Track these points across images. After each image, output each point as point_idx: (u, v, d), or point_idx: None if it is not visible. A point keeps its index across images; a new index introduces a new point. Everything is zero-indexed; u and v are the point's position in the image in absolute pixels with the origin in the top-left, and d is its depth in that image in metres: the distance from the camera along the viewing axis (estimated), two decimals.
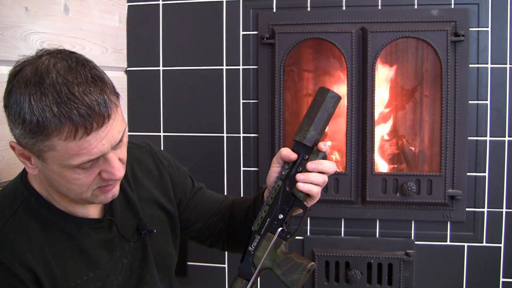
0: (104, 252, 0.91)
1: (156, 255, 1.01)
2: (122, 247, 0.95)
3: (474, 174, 1.65)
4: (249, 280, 0.90)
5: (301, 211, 0.91)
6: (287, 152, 0.90)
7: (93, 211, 0.92)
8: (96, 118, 0.74)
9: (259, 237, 0.91)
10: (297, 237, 1.70)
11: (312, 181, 0.88)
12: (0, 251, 0.78)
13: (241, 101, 1.75)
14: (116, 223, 0.94)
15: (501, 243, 1.65)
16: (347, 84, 1.65)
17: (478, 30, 1.61)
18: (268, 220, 0.91)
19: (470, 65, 1.61)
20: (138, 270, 0.97)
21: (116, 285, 0.92)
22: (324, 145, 0.88)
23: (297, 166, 0.90)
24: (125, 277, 0.94)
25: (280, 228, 0.90)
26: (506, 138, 1.63)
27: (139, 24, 1.80)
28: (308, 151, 0.89)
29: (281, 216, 0.90)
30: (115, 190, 0.86)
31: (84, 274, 0.87)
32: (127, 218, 0.97)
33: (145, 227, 0.98)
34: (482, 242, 1.66)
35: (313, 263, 0.87)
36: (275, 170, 0.93)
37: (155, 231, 1.00)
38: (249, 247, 0.92)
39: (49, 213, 0.86)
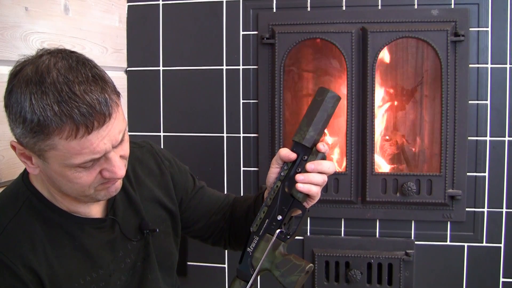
0: (107, 252, 0.91)
1: (158, 254, 1.01)
2: (124, 246, 0.95)
3: (474, 174, 1.65)
4: (247, 282, 0.90)
5: (300, 212, 0.91)
6: (286, 153, 0.90)
7: (95, 211, 0.92)
8: (97, 117, 0.74)
9: (257, 238, 0.91)
10: (297, 237, 1.70)
11: (311, 181, 0.87)
12: (3, 252, 0.78)
13: (241, 101, 1.75)
14: (118, 222, 0.94)
15: (501, 243, 1.65)
16: (347, 84, 1.65)
17: (478, 30, 1.61)
18: (266, 221, 0.91)
19: (470, 65, 1.61)
20: (140, 269, 0.97)
21: (119, 285, 0.92)
22: (323, 146, 0.88)
23: (296, 166, 0.89)
24: (128, 277, 0.95)
25: (279, 230, 0.89)
26: (506, 138, 1.63)
27: (139, 24, 1.80)
28: (307, 151, 0.89)
29: (279, 217, 0.90)
30: (118, 184, 0.86)
31: (87, 275, 0.87)
32: (129, 217, 0.98)
33: (148, 226, 0.98)
34: (482, 242, 1.66)
35: (311, 264, 0.87)
36: (274, 170, 0.93)
37: (157, 230, 1.00)
38: (248, 248, 0.91)
39: (51, 213, 0.86)
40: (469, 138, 1.63)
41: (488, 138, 1.63)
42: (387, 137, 1.77)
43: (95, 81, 0.75)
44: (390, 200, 1.65)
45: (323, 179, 0.89)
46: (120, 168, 0.80)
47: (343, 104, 1.66)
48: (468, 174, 1.64)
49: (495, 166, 1.64)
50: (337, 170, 1.71)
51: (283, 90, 1.69)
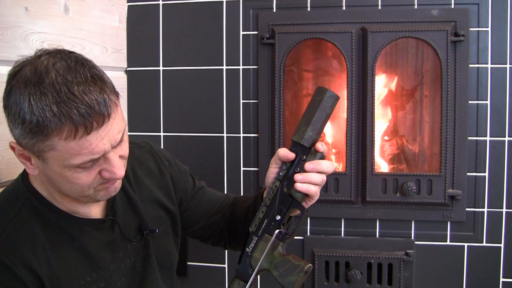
0: (107, 253, 0.91)
1: (158, 255, 1.01)
2: (124, 247, 0.95)
3: (474, 174, 1.64)
4: (246, 282, 0.90)
5: (299, 212, 0.91)
6: (284, 152, 0.90)
7: (95, 211, 0.92)
8: (96, 117, 0.74)
9: (256, 238, 0.91)
10: (297, 237, 1.70)
11: (310, 181, 0.87)
12: (3, 253, 0.78)
13: (241, 101, 1.75)
14: (118, 223, 0.94)
15: (501, 243, 1.65)
16: (347, 84, 1.65)
17: (478, 30, 1.61)
18: (265, 221, 0.90)
19: (470, 65, 1.61)
20: (140, 270, 0.97)
21: (119, 286, 0.92)
22: (322, 146, 0.88)
23: (295, 166, 0.89)
24: (127, 278, 0.95)
25: (278, 230, 0.89)
26: (506, 138, 1.63)
27: (139, 24, 1.80)
28: (306, 151, 0.88)
29: (278, 217, 0.90)
30: (117, 184, 0.86)
31: (87, 275, 0.87)
32: (129, 218, 0.98)
33: (147, 227, 0.98)
34: (482, 242, 1.66)
35: (310, 264, 0.87)
36: (273, 171, 0.93)
37: (157, 230, 1.00)
38: (247, 248, 0.91)
39: (51, 214, 0.86)
40: (469, 138, 1.63)
41: (488, 138, 1.63)
42: (386, 137, 1.77)
43: (94, 81, 0.75)
44: (390, 200, 1.65)
45: (322, 178, 0.89)
46: (119, 168, 0.81)
47: (343, 104, 1.66)
48: (468, 174, 1.64)
49: (495, 166, 1.64)
50: (337, 170, 1.71)
51: (283, 90, 1.69)
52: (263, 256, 0.89)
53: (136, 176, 1.02)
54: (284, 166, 0.90)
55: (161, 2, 1.78)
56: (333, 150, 1.79)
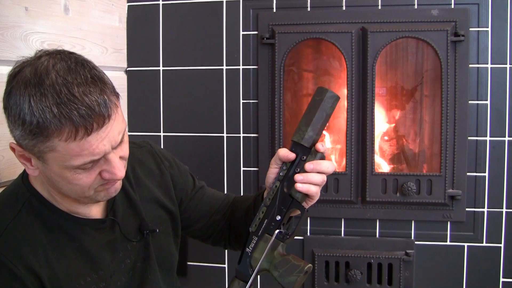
0: (107, 253, 0.91)
1: (158, 255, 1.01)
2: (124, 247, 0.95)
3: (474, 174, 1.64)
4: (246, 282, 0.90)
5: (299, 212, 0.91)
6: (284, 153, 0.90)
7: (95, 212, 0.92)
8: (96, 118, 0.74)
9: (256, 238, 0.91)
10: (297, 237, 1.70)
11: (310, 181, 0.87)
12: (3, 253, 0.78)
13: (241, 101, 1.75)
14: (118, 223, 0.94)
15: (501, 243, 1.65)
16: (347, 84, 1.65)
17: (478, 30, 1.61)
18: (265, 221, 0.90)
19: (470, 65, 1.61)
20: (140, 270, 0.97)
21: (119, 286, 0.92)
22: (322, 146, 0.88)
23: (295, 166, 0.89)
24: (128, 278, 0.95)
25: (278, 230, 0.89)
26: (506, 138, 1.63)
27: (139, 24, 1.80)
28: (306, 151, 0.89)
29: (278, 218, 0.90)
30: (118, 185, 0.86)
31: (87, 275, 0.87)
32: (129, 218, 0.98)
33: (148, 227, 0.98)
34: (482, 242, 1.66)
35: (310, 264, 0.87)
36: (273, 171, 0.93)
37: (157, 230, 1.00)
38: (247, 249, 0.91)
39: (51, 214, 0.86)
40: (469, 138, 1.63)
41: (488, 138, 1.63)
42: (386, 138, 1.77)
43: (94, 82, 0.75)
44: (390, 200, 1.65)
45: (322, 179, 0.89)
46: (119, 169, 0.81)
47: (343, 104, 1.66)
48: (468, 174, 1.64)
49: (495, 166, 1.64)
50: (337, 170, 1.71)
51: (283, 90, 1.69)
52: (263, 256, 0.89)
53: (137, 176, 1.02)
54: (284, 166, 0.90)
55: (161, 2, 1.78)
56: (334, 155, 1.80)
